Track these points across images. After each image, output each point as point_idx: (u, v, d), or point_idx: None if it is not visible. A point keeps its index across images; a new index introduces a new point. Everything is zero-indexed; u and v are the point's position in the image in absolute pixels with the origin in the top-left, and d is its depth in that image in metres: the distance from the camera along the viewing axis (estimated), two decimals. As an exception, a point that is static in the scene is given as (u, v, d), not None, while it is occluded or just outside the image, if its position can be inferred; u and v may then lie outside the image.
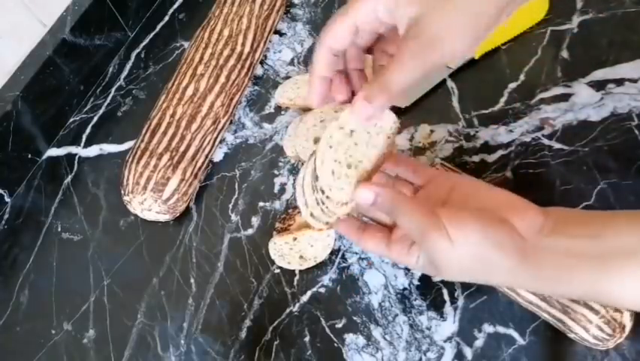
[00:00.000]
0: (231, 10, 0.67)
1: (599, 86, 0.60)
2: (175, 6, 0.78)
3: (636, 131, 0.57)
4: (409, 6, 0.35)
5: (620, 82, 0.60)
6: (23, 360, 0.57)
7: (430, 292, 0.53)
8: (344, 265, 0.56)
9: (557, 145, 0.58)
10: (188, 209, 0.62)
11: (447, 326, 0.52)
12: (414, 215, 0.37)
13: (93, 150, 0.68)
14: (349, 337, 0.53)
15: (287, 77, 0.68)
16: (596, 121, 0.58)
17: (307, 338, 0.54)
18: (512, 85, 0.62)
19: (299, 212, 0.57)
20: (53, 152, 0.69)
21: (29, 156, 0.67)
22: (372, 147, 0.40)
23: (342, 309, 0.54)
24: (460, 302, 0.53)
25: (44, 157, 0.69)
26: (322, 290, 0.56)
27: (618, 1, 0.64)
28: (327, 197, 0.39)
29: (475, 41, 0.35)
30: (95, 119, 0.71)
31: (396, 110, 0.62)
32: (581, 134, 0.58)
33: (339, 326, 0.54)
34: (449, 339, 0.51)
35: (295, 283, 0.56)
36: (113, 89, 0.72)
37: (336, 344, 0.53)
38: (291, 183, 0.62)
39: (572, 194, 0.55)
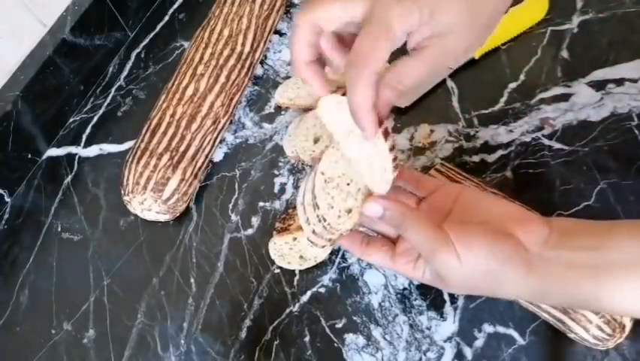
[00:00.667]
0: (231, 10, 0.67)
1: (599, 86, 0.60)
2: (175, 6, 0.78)
3: (636, 131, 0.57)
4: (447, 15, 0.34)
5: (620, 82, 0.60)
6: (23, 360, 0.57)
7: (430, 292, 0.53)
8: (344, 265, 0.56)
9: (557, 145, 0.58)
10: (188, 209, 0.62)
11: (447, 326, 0.52)
12: (422, 231, 0.37)
13: (93, 150, 0.68)
14: (349, 337, 0.53)
15: (287, 77, 0.68)
16: (596, 121, 0.58)
17: (307, 338, 0.54)
18: (512, 85, 0.62)
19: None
20: (53, 152, 0.69)
21: (29, 156, 0.67)
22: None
23: (342, 309, 0.54)
24: (460, 302, 0.53)
25: (44, 157, 0.69)
26: (322, 290, 0.56)
27: (618, 1, 0.64)
28: (327, 221, 0.39)
29: (478, 40, 0.36)
30: (95, 119, 0.71)
31: (396, 110, 0.62)
32: (581, 135, 0.58)
33: (339, 326, 0.54)
34: (449, 339, 0.51)
35: (295, 283, 0.56)
36: (113, 89, 0.72)
37: (336, 344, 0.53)
38: (291, 183, 0.62)
39: (571, 194, 0.55)
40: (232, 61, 0.64)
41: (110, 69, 0.74)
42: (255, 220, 0.60)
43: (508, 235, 0.37)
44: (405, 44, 0.36)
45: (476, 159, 0.59)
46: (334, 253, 0.57)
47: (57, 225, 0.64)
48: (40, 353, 0.57)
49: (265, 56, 0.71)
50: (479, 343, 0.51)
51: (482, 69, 0.64)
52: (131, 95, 0.71)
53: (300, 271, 0.57)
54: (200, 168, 0.62)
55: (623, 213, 0.53)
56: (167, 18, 0.77)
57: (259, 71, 0.70)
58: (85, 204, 0.65)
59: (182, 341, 0.55)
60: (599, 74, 0.61)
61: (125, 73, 0.73)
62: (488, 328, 0.51)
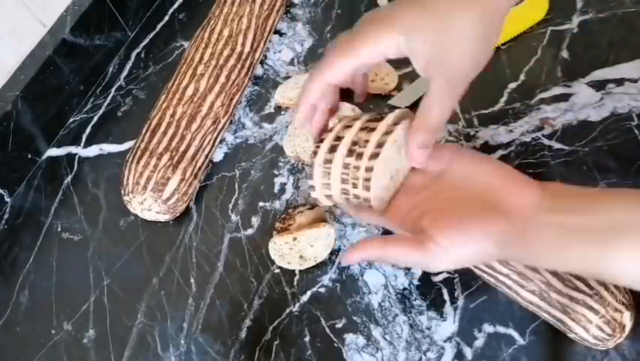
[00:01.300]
0: (231, 10, 0.67)
1: (599, 86, 0.60)
2: (175, 6, 0.78)
3: (636, 131, 0.57)
4: (424, 44, 0.38)
5: (620, 82, 0.60)
6: (23, 360, 0.57)
7: (430, 292, 0.53)
8: (344, 265, 0.56)
9: (557, 145, 0.58)
10: (188, 209, 0.62)
11: (447, 326, 0.52)
12: (402, 255, 0.39)
13: (93, 150, 0.68)
14: (349, 337, 0.53)
15: (287, 77, 0.68)
16: (596, 121, 0.58)
17: (307, 338, 0.54)
18: (512, 85, 0.62)
19: (299, 212, 0.57)
20: (53, 152, 0.69)
21: (29, 156, 0.67)
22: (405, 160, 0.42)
23: (342, 309, 0.54)
24: (460, 302, 0.53)
25: (44, 157, 0.69)
26: (322, 290, 0.56)
27: (618, 1, 0.64)
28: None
29: (485, 57, 0.39)
30: (95, 119, 0.71)
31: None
32: (581, 135, 0.58)
33: (339, 325, 0.54)
34: (449, 339, 0.51)
35: (295, 283, 0.56)
36: (113, 89, 0.72)
37: (336, 344, 0.53)
38: (291, 183, 0.62)
39: (572, 194, 0.55)
40: (232, 61, 0.64)
41: (110, 69, 0.74)
42: (255, 220, 0.60)
43: (495, 213, 0.38)
44: None
45: (476, 159, 0.59)
46: (334, 253, 0.57)
47: (57, 225, 0.64)
48: (40, 353, 0.57)
49: (265, 56, 0.71)
50: (479, 343, 0.51)
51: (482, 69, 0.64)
52: (131, 95, 0.71)
53: (300, 271, 0.57)
54: (200, 168, 0.62)
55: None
56: (167, 18, 0.77)
57: (259, 71, 0.70)
58: (85, 204, 0.65)
59: (182, 341, 0.55)
60: (599, 74, 0.61)
61: (125, 73, 0.73)
62: (488, 328, 0.51)
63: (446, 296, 0.53)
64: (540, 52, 0.64)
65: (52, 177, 0.67)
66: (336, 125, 0.44)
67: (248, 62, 0.66)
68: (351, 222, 0.58)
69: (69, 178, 0.67)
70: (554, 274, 0.46)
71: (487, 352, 0.50)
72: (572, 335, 0.48)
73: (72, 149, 0.69)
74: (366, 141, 0.41)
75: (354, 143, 0.41)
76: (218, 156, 0.65)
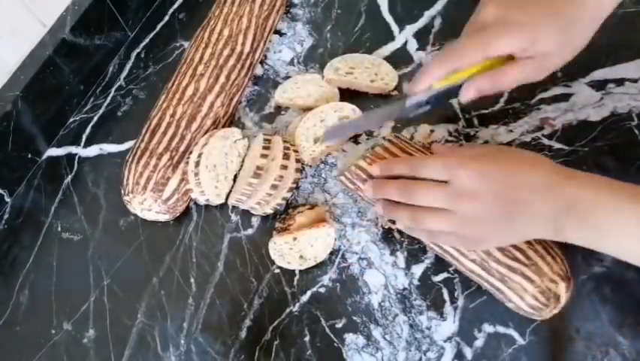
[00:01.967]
0: (231, 10, 0.67)
1: (599, 86, 0.60)
2: (175, 6, 0.78)
3: (636, 131, 0.57)
4: (547, 43, 0.45)
5: (620, 82, 0.60)
6: (23, 360, 0.57)
7: (430, 292, 0.53)
8: (344, 265, 0.56)
9: (557, 145, 0.58)
10: (188, 209, 0.62)
11: (447, 326, 0.52)
12: (434, 163, 0.48)
13: (93, 150, 0.68)
14: (349, 337, 0.53)
15: (287, 77, 0.68)
16: (596, 121, 0.58)
17: (307, 338, 0.54)
18: (512, 85, 0.62)
19: (299, 212, 0.57)
20: (53, 152, 0.69)
21: (29, 155, 0.67)
22: None
23: (342, 309, 0.54)
24: (460, 302, 0.53)
25: (44, 157, 0.69)
26: (322, 290, 0.56)
27: (618, 1, 0.64)
28: None
29: (571, 56, 0.48)
30: (95, 119, 0.71)
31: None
32: (581, 134, 0.58)
33: (339, 325, 0.54)
34: (449, 339, 0.51)
35: (295, 283, 0.56)
36: (113, 89, 0.72)
37: (336, 344, 0.53)
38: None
39: (572, 194, 0.55)
40: (232, 61, 0.64)
41: (110, 69, 0.74)
42: (255, 220, 0.60)
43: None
44: None
45: (476, 159, 0.59)
46: (334, 253, 0.57)
47: (57, 225, 0.64)
48: (40, 353, 0.57)
49: (265, 56, 0.71)
50: (479, 343, 0.51)
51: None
52: (131, 95, 0.71)
53: (300, 271, 0.57)
54: (200, 168, 0.61)
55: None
56: (167, 18, 0.77)
57: (259, 71, 0.70)
58: (85, 204, 0.65)
59: (182, 341, 0.55)
60: (599, 74, 0.61)
61: (125, 73, 0.73)
62: (488, 328, 0.51)
63: (446, 296, 0.53)
64: (540, 52, 0.64)
65: (52, 177, 0.67)
66: None
67: (248, 62, 0.66)
68: (351, 222, 0.58)
69: (69, 178, 0.67)
70: None
71: (487, 352, 0.50)
72: (509, 304, 0.49)
73: (72, 149, 0.69)
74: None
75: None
76: (218, 156, 0.65)
